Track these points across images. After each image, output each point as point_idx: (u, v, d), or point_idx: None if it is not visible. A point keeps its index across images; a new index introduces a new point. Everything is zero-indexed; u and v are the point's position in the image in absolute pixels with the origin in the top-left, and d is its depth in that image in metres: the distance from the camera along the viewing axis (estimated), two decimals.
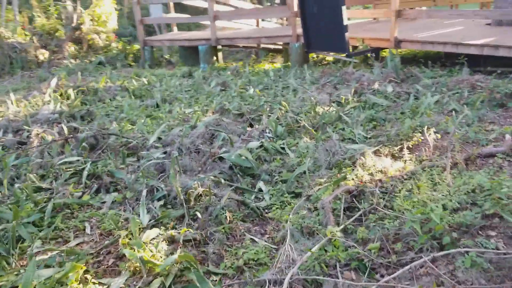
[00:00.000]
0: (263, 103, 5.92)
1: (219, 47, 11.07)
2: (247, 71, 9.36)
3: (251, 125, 5.34)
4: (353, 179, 3.62)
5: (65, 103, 6.70)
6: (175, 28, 12.68)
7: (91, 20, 12.11)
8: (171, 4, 12.53)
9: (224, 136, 4.52)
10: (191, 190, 3.54)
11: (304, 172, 3.88)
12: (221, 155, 4.12)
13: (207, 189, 3.57)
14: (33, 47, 11.20)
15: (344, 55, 8.06)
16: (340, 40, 7.75)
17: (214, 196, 3.53)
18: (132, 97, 7.56)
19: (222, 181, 3.76)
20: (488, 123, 4.80)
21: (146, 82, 8.39)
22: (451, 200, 3.10)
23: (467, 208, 3.06)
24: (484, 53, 6.71)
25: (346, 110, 5.67)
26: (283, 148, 4.51)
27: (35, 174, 4.17)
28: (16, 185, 3.94)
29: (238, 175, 4.01)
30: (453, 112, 5.08)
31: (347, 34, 7.68)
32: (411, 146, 4.30)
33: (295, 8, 9.20)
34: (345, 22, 7.54)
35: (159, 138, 5.11)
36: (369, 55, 7.76)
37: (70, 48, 11.84)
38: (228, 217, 3.28)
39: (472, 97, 5.53)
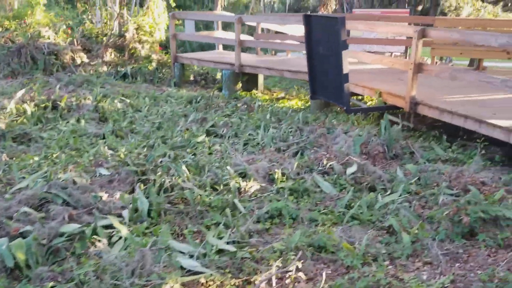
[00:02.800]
0: (164, 162, 4.72)
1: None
2: (255, 106, 8.18)
3: (132, 191, 4.22)
4: None
5: (3, 120, 6.19)
6: (220, 47, 11.90)
7: (136, 29, 11.83)
8: (219, 23, 11.80)
9: (27, 210, 3.49)
10: None
11: None
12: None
13: None
14: (73, 50, 11.22)
15: (344, 109, 6.48)
16: (340, 90, 6.23)
17: None
18: (97, 121, 6.88)
19: None
20: (418, 266, 3.11)
21: (129, 105, 7.66)
22: None
23: None
24: (511, 141, 4.76)
25: (270, 191, 4.28)
26: (111, 238, 3.35)
27: None
28: None
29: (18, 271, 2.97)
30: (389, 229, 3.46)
31: (346, 85, 6.13)
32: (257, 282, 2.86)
33: None
34: (345, 70, 6.01)
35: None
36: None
37: (111, 55, 11.67)
38: None
39: (443, 209, 3.78)
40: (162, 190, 4.11)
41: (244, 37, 10.82)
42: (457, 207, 3.52)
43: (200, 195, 4.10)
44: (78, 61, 11.19)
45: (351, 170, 4.63)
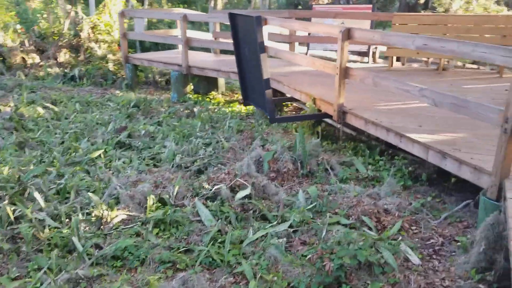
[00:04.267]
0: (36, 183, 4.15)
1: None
2: (195, 112, 7.61)
3: None
4: None
5: None
6: (180, 47, 11.28)
7: (92, 28, 11.27)
8: (178, 22, 11.17)
9: None
10: None
11: None
12: None
13: None
14: (25, 50, 10.72)
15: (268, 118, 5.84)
16: (263, 96, 5.62)
17: None
18: (11, 131, 6.33)
19: None
20: None
21: (53, 112, 7.10)
22: None
23: None
24: (429, 159, 4.12)
25: (139, 221, 3.70)
26: None
27: None
28: None
29: None
30: None
31: (268, 92, 5.51)
32: None
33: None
34: (266, 75, 5.39)
35: None
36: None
37: (65, 55, 11.14)
38: None
39: (309, 250, 3.16)
40: (7, 221, 3.55)
41: (196, 34, 10.25)
42: (322, 249, 2.91)
43: (52, 228, 3.54)
44: (30, 62, 10.71)
45: (241, 194, 4.03)
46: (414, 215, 3.76)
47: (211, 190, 4.07)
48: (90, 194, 3.91)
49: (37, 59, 10.82)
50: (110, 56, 11.24)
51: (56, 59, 11.00)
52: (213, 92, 9.78)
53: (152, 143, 5.76)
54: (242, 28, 5.83)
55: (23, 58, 10.65)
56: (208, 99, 9.09)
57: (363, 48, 9.22)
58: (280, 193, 4.24)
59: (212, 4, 24.49)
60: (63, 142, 5.87)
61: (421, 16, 7.67)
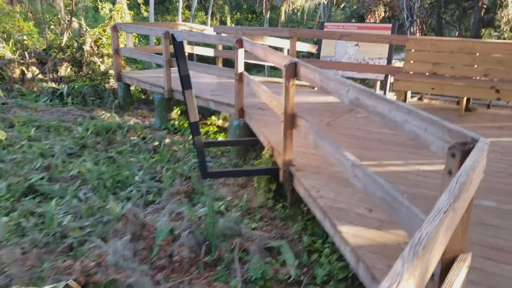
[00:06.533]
0: None
1: None
2: (161, 146, 6.54)
3: None
4: None
5: None
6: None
7: (96, 41, 10.58)
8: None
9: None
10: None
11: None
12: None
13: None
14: (26, 63, 10.23)
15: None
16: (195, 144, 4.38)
17: None
18: None
19: None
20: None
21: None
22: None
23: None
24: (359, 274, 2.67)
25: None
26: None
27: None
28: None
29: None
30: None
31: (197, 139, 4.25)
32: None
33: (240, 69, 5.98)
34: (193, 117, 4.15)
35: None
36: None
37: (66, 70, 10.54)
38: None
39: None
40: None
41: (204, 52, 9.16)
42: None
43: None
44: (29, 76, 10.20)
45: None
46: None
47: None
48: None
49: (36, 72, 10.28)
50: (111, 71, 10.48)
51: (57, 73, 10.42)
52: (213, 117, 8.66)
53: (64, 192, 4.70)
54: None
55: (22, 71, 10.14)
56: (200, 126, 7.95)
57: (379, 76, 7.66)
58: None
59: (268, 16, 23.44)
60: None
61: (441, 41, 6.03)
